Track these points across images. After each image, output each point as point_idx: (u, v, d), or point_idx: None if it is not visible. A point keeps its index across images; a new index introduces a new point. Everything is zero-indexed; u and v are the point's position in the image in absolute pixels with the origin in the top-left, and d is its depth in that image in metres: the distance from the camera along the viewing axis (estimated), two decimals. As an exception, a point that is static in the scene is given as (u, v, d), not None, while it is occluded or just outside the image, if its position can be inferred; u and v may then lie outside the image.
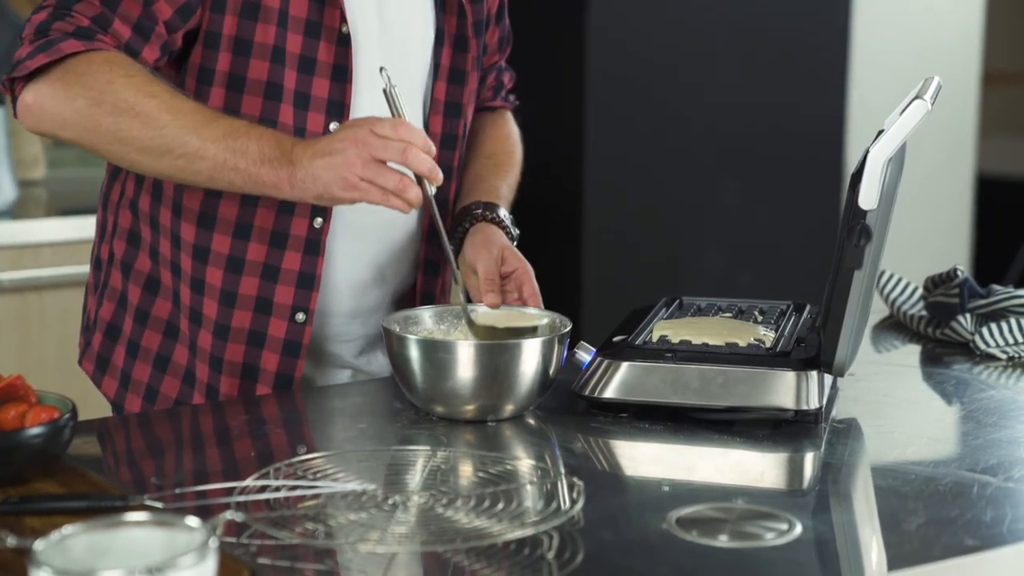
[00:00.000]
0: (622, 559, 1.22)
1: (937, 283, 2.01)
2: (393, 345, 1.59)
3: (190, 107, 1.59)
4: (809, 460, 1.52)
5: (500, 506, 1.31)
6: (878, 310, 2.03)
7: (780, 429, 1.57)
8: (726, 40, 3.40)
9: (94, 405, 1.83)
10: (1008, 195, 4.77)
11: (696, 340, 1.66)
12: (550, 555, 1.21)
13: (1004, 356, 1.88)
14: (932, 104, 1.52)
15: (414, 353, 1.56)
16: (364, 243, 1.78)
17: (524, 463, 1.46)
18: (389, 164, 1.54)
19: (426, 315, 1.70)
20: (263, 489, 1.33)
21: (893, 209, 1.62)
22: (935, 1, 3.87)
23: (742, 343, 1.65)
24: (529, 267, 1.75)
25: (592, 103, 3.25)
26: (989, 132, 4.60)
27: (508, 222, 1.82)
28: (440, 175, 1.57)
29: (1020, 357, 1.88)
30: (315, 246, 1.72)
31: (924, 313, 2.02)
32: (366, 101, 1.72)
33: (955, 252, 4.00)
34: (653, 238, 3.39)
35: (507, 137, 1.99)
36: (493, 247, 1.75)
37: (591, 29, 3.22)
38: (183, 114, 1.58)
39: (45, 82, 1.61)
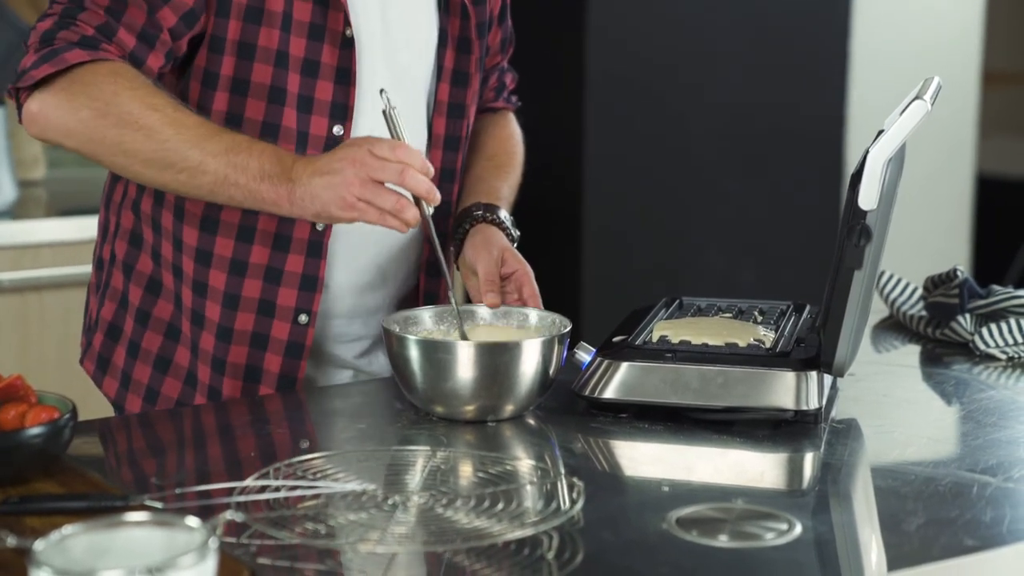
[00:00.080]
0: (622, 559, 1.22)
1: (937, 283, 2.01)
2: (393, 345, 1.59)
3: (193, 121, 1.60)
4: (809, 460, 1.52)
5: (500, 506, 1.31)
6: (878, 310, 2.03)
7: (780, 429, 1.57)
8: (726, 40, 3.40)
9: (94, 405, 1.83)
10: (1008, 195, 4.77)
11: (696, 340, 1.66)
12: (550, 555, 1.21)
13: (1004, 356, 1.88)
14: (932, 104, 1.52)
15: (414, 353, 1.56)
16: (365, 244, 1.79)
17: (524, 463, 1.46)
18: (387, 185, 1.55)
19: (426, 315, 1.70)
20: (263, 489, 1.33)
21: (893, 209, 1.62)
22: (935, 1, 3.87)
23: (742, 343, 1.65)
24: (529, 268, 1.75)
25: (592, 103, 3.25)
26: (989, 132, 4.60)
27: (508, 223, 1.82)
28: (438, 196, 1.57)
29: (1020, 357, 1.88)
30: (317, 248, 1.73)
31: (924, 313, 2.02)
32: (369, 104, 1.72)
33: (955, 252, 4.00)
34: (653, 238, 3.39)
35: (509, 138, 1.99)
36: (493, 248, 1.76)
37: (591, 29, 3.23)
38: (186, 128, 1.59)
39: (50, 92, 1.61)
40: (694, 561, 1.22)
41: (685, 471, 1.51)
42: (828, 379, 1.61)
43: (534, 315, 1.70)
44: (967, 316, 1.94)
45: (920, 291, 2.06)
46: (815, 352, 1.61)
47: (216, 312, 1.74)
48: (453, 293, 1.68)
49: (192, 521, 1.05)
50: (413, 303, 1.86)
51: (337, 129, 1.71)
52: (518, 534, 1.24)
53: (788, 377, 1.57)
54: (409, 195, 1.56)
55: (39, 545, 1.01)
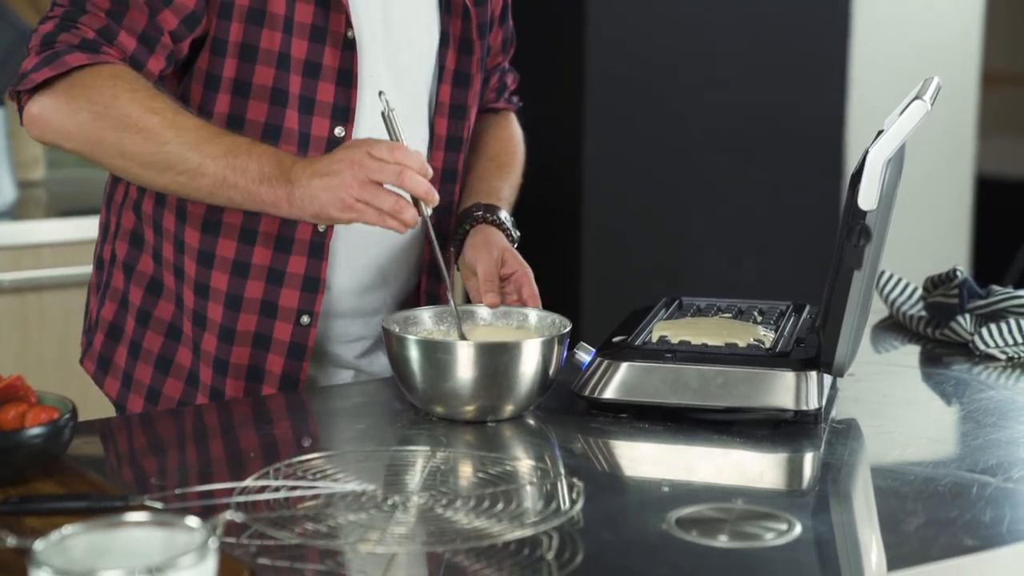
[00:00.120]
0: (622, 559, 1.22)
1: (936, 283, 2.01)
2: (393, 345, 1.59)
3: (193, 124, 1.60)
4: (809, 460, 1.52)
5: (500, 506, 1.31)
6: (877, 310, 2.03)
7: (780, 429, 1.57)
8: (726, 40, 3.40)
9: (94, 405, 1.83)
10: (1007, 196, 4.77)
11: (696, 340, 1.66)
12: (550, 555, 1.21)
13: (1003, 357, 1.88)
14: (932, 105, 1.52)
15: (413, 353, 1.56)
16: (366, 245, 1.79)
17: (524, 463, 1.46)
18: (386, 186, 1.55)
19: (426, 315, 1.70)
20: (263, 489, 1.33)
21: (893, 210, 1.62)
22: (935, 1, 3.87)
23: (742, 343, 1.65)
24: (528, 269, 1.75)
25: (592, 103, 3.25)
26: (988, 133, 4.60)
27: (509, 224, 1.82)
28: (436, 197, 1.58)
29: (1019, 358, 1.88)
30: (319, 250, 1.73)
31: (923, 313, 2.02)
32: (370, 105, 1.72)
33: (954, 253, 4.00)
34: (653, 238, 3.39)
35: (510, 139, 2.00)
36: (493, 248, 1.76)
37: (591, 29, 3.23)
38: (185, 131, 1.59)
39: (50, 95, 1.62)
40: (694, 561, 1.22)
41: (685, 471, 1.51)
42: (828, 379, 1.61)
43: (534, 315, 1.70)
44: (967, 316, 1.94)
45: (920, 291, 2.06)
46: (815, 352, 1.61)
47: (218, 313, 1.74)
48: (452, 295, 1.68)
49: (192, 521, 1.05)
50: (414, 304, 1.86)
51: (338, 130, 1.71)
52: (518, 534, 1.24)
53: (788, 377, 1.57)
54: (408, 196, 1.56)
55: (39, 545, 1.01)
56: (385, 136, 1.61)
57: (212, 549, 1.01)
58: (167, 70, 1.68)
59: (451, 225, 1.85)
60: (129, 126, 1.59)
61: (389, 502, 1.32)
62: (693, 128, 3.39)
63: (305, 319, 1.74)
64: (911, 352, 1.96)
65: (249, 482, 1.34)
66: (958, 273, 1.98)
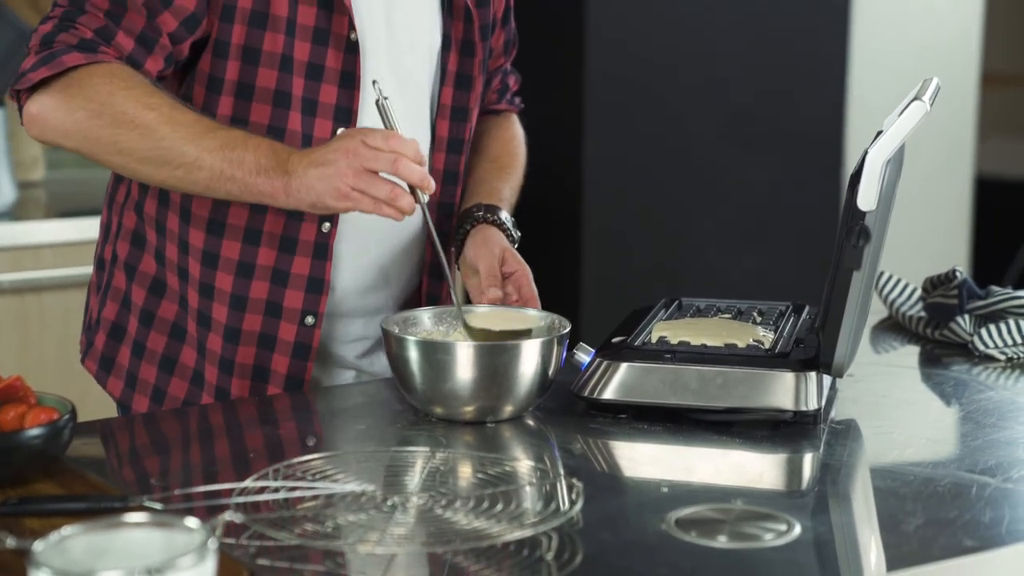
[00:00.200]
0: (621, 560, 1.22)
1: (936, 284, 2.01)
2: (392, 346, 1.59)
3: (189, 118, 1.61)
4: (808, 461, 1.52)
5: (499, 507, 1.31)
6: (877, 311, 2.03)
7: (779, 430, 1.57)
8: (726, 40, 3.40)
9: (93, 406, 1.83)
10: (1007, 196, 4.77)
11: (695, 341, 1.66)
12: (549, 556, 1.21)
13: (1003, 357, 1.88)
14: (931, 105, 1.52)
15: (413, 354, 1.56)
16: (368, 245, 1.79)
17: (523, 464, 1.46)
18: (382, 174, 1.55)
19: (425, 316, 1.70)
20: (262, 490, 1.33)
21: (892, 210, 1.62)
22: (934, 2, 3.87)
23: (741, 344, 1.65)
24: (528, 270, 1.76)
25: (592, 103, 3.25)
26: (988, 133, 4.60)
27: (509, 224, 1.83)
28: (432, 184, 1.58)
29: (1019, 358, 1.88)
30: (323, 250, 1.73)
31: (923, 314, 2.02)
32: (372, 107, 1.72)
33: (954, 253, 4.00)
34: (653, 238, 3.39)
35: (511, 139, 2.00)
36: (495, 247, 1.77)
37: (591, 29, 3.23)
38: (182, 125, 1.60)
39: (48, 94, 1.63)
40: (693, 562, 1.22)
41: (684, 472, 1.51)
42: (827, 380, 1.61)
43: (533, 316, 1.70)
44: (966, 317, 1.94)
45: (919, 292, 2.06)
46: (814, 353, 1.61)
47: (223, 313, 1.74)
48: (454, 290, 1.68)
49: (191, 522, 1.05)
50: (415, 304, 1.86)
51: (341, 132, 1.71)
52: (517, 535, 1.24)
53: (787, 378, 1.57)
54: (405, 184, 1.57)
55: (38, 546, 1.01)
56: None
57: (211, 550, 1.01)
58: (166, 71, 1.68)
59: (452, 225, 1.86)
60: (125, 122, 1.60)
61: (389, 503, 1.32)
62: (693, 128, 3.39)
63: (309, 320, 1.75)
64: (910, 353, 1.96)
65: (249, 483, 1.34)
66: (957, 274, 1.98)
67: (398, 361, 1.59)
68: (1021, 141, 5.09)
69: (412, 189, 1.58)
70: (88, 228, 2.68)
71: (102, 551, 1.03)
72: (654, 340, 1.68)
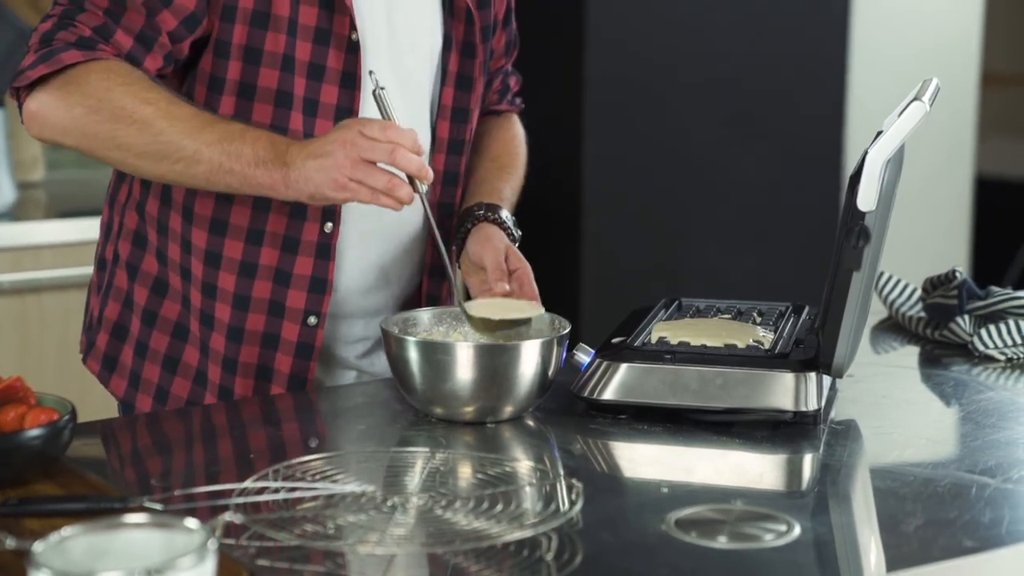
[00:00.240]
0: (621, 561, 1.22)
1: (936, 284, 2.01)
2: (392, 347, 1.59)
3: (187, 112, 1.61)
4: (808, 461, 1.52)
5: (499, 508, 1.31)
6: (877, 311, 2.03)
7: (779, 430, 1.57)
8: (726, 40, 3.40)
9: (93, 406, 1.83)
10: (1007, 196, 4.77)
11: (695, 341, 1.66)
12: (549, 557, 1.21)
13: (1002, 357, 1.88)
14: (930, 105, 1.52)
15: (413, 355, 1.56)
16: (369, 246, 1.79)
17: (523, 465, 1.46)
18: (380, 165, 1.55)
19: (425, 317, 1.70)
20: (262, 491, 1.33)
21: (892, 210, 1.62)
22: (934, 2, 3.87)
23: (741, 344, 1.65)
24: (529, 268, 1.76)
25: (592, 103, 3.25)
26: (988, 134, 4.60)
27: (510, 223, 1.83)
28: (430, 173, 1.59)
29: (1018, 358, 1.88)
30: (326, 251, 1.74)
31: (923, 314, 2.02)
32: (373, 107, 1.72)
33: (954, 254, 4.00)
34: (652, 239, 3.39)
35: (512, 139, 2.00)
36: (498, 243, 1.77)
37: (591, 29, 3.23)
38: (180, 119, 1.60)
39: (46, 91, 1.64)
40: (693, 562, 1.22)
41: (684, 472, 1.51)
42: (827, 380, 1.61)
43: (529, 306, 1.70)
44: (966, 317, 1.94)
45: (919, 292, 2.06)
46: (814, 353, 1.61)
47: (226, 313, 1.74)
48: (455, 283, 1.68)
49: (191, 523, 1.05)
50: (415, 305, 1.86)
51: (340, 123, 1.71)
52: (517, 535, 1.24)
53: (787, 378, 1.57)
54: (403, 174, 1.57)
55: (38, 547, 1.01)
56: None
57: (211, 550, 1.01)
58: (166, 69, 1.69)
59: (452, 225, 1.86)
60: (123, 118, 1.61)
61: (388, 503, 1.32)
62: (693, 128, 3.39)
63: (312, 320, 1.75)
64: (910, 353, 1.96)
65: (248, 483, 1.34)
66: (957, 274, 1.98)
67: (398, 362, 1.59)
68: (1021, 141, 5.09)
69: (411, 179, 1.58)
70: (88, 228, 2.68)
71: (102, 552, 1.03)
72: (654, 340, 1.68)
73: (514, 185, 1.93)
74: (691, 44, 3.36)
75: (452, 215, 1.86)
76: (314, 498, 1.32)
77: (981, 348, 1.89)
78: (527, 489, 1.38)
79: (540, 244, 2.62)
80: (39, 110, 1.65)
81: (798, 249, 3.54)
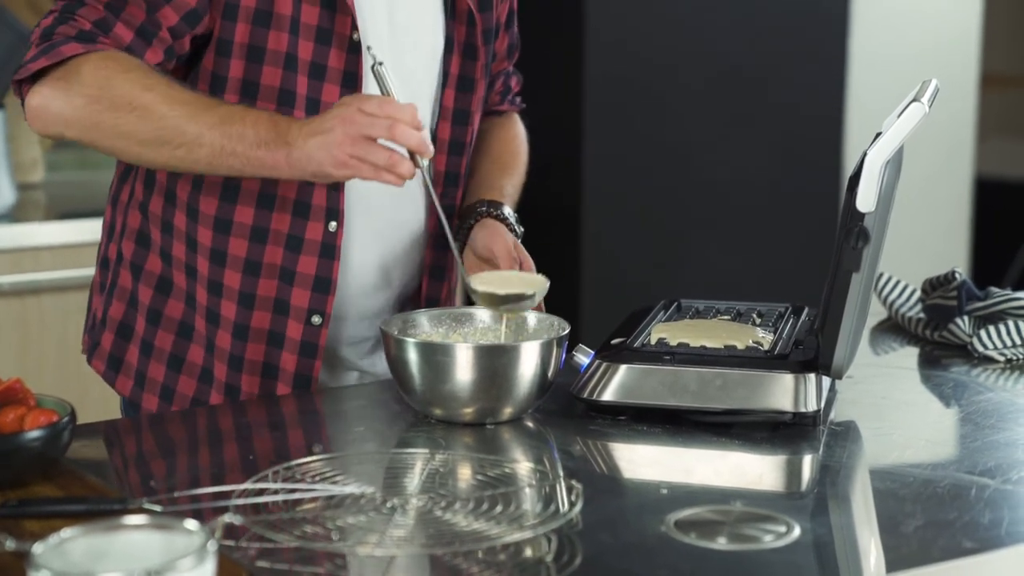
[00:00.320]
0: (620, 562, 1.22)
1: (935, 285, 2.01)
2: (391, 348, 1.59)
3: (187, 97, 1.62)
4: (807, 462, 1.52)
5: (499, 509, 1.31)
6: (876, 312, 2.03)
7: (778, 432, 1.57)
8: (726, 40, 3.40)
9: (93, 408, 1.83)
10: (1006, 197, 4.77)
11: (694, 343, 1.66)
12: (548, 558, 1.21)
13: (1002, 358, 1.88)
14: (930, 107, 1.52)
15: (412, 356, 1.56)
16: (371, 246, 1.79)
17: (523, 466, 1.46)
18: (381, 141, 1.56)
19: (424, 318, 1.70)
20: (262, 492, 1.33)
21: (891, 211, 1.62)
22: (934, 2, 3.87)
23: (740, 346, 1.65)
24: (532, 263, 1.77)
25: (592, 103, 3.25)
26: (987, 134, 4.59)
27: (512, 220, 1.83)
28: (431, 148, 1.59)
29: (1018, 359, 1.88)
30: (330, 250, 1.74)
31: (922, 315, 2.02)
32: None
33: (953, 254, 4.00)
34: (652, 240, 3.39)
35: (513, 139, 2.01)
36: (507, 235, 1.77)
37: (591, 29, 3.23)
38: (180, 104, 1.61)
39: (47, 84, 1.65)
40: (693, 563, 1.22)
41: (684, 473, 1.51)
42: (826, 381, 1.61)
43: (532, 317, 1.70)
44: (965, 318, 1.94)
45: (918, 293, 2.06)
46: (813, 354, 1.61)
47: (232, 310, 1.75)
48: (463, 273, 1.68)
49: (191, 524, 1.05)
50: (415, 307, 1.86)
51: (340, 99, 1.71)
52: (517, 537, 1.24)
53: (786, 379, 1.57)
54: (404, 150, 1.57)
55: (38, 548, 1.01)
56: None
57: (211, 552, 1.01)
58: (167, 64, 1.69)
59: (454, 224, 1.86)
60: (124, 106, 1.61)
61: (388, 504, 1.32)
62: (693, 128, 3.39)
63: (316, 319, 1.75)
64: (910, 354, 1.97)
65: (248, 485, 1.34)
66: (957, 275, 1.98)
67: (397, 363, 1.59)
68: (1021, 142, 5.09)
69: (412, 155, 1.58)
70: (88, 230, 2.68)
71: (101, 553, 1.03)
72: (653, 342, 1.68)
73: (516, 183, 1.94)
74: (691, 44, 3.36)
75: (453, 215, 1.86)
76: (314, 499, 1.32)
77: (980, 349, 1.89)
78: (527, 490, 1.38)
79: (540, 244, 2.61)
80: (41, 104, 1.65)
81: (798, 250, 3.54)
